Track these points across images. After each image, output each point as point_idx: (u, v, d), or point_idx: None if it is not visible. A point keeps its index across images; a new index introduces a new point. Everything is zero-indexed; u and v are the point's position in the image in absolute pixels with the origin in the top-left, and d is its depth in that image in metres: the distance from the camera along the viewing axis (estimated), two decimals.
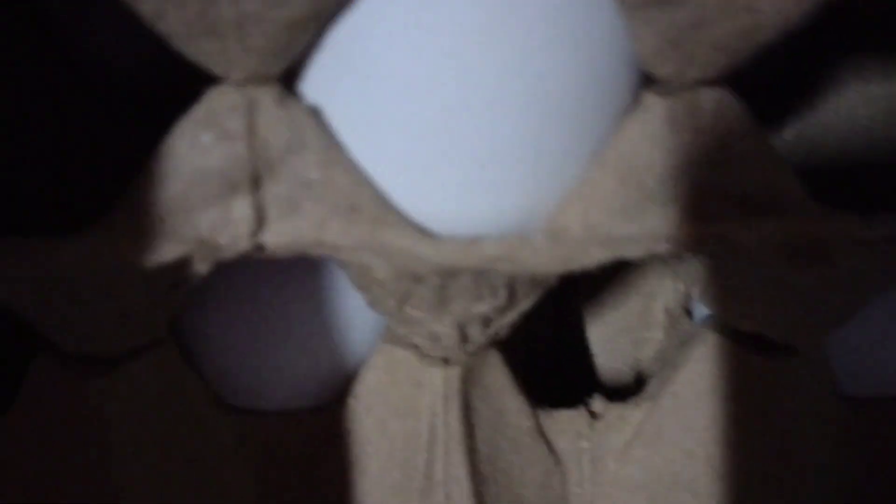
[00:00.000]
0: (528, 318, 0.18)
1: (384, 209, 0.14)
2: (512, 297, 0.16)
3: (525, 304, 0.17)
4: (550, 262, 0.14)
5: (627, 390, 0.23)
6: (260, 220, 0.14)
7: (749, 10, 0.13)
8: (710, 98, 0.14)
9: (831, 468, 0.21)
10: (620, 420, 0.21)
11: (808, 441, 0.20)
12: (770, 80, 0.20)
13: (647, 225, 0.14)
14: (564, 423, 0.21)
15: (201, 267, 0.14)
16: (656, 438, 0.20)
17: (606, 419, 0.21)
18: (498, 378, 0.20)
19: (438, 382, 0.18)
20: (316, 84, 0.14)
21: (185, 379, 0.19)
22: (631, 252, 0.14)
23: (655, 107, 0.14)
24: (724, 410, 0.20)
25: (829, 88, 0.20)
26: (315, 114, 0.14)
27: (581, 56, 0.13)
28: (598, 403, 0.21)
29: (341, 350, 0.20)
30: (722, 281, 0.17)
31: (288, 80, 0.14)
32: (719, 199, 0.14)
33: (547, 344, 0.25)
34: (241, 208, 0.14)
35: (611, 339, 0.25)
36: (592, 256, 0.14)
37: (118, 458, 0.19)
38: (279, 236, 0.14)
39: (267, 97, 0.13)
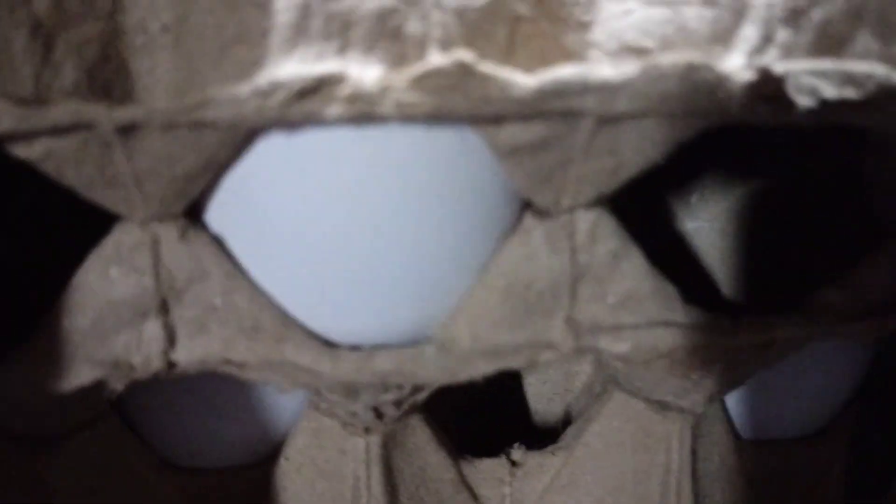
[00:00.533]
0: None
1: (285, 328, 0.15)
2: (417, 387, 0.17)
3: (433, 386, 0.18)
4: (440, 374, 0.15)
5: (555, 430, 0.25)
6: (170, 340, 0.15)
7: (611, 153, 0.14)
8: (586, 220, 0.15)
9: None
10: (539, 468, 0.22)
11: (713, 484, 0.22)
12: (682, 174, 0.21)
13: (530, 336, 0.15)
14: (486, 472, 0.22)
15: (118, 387, 0.15)
16: (571, 486, 0.22)
17: (526, 467, 0.22)
18: (420, 438, 0.21)
19: (360, 451, 0.20)
20: (218, 216, 0.15)
21: (127, 446, 0.21)
22: (515, 362, 0.15)
23: (534, 229, 0.15)
24: (630, 462, 0.21)
25: (740, 178, 0.21)
26: (216, 245, 0.15)
27: (459, 189, 0.14)
28: (518, 452, 0.22)
29: (272, 415, 0.21)
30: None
31: (194, 210, 0.15)
32: (595, 312, 0.15)
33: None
34: (152, 330, 0.15)
35: (544, 371, 0.27)
36: (479, 368, 0.15)
37: None
38: (189, 355, 0.15)
39: (169, 233, 0.14)
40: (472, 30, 0.13)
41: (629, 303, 0.15)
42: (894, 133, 0.14)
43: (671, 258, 0.21)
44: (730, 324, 0.15)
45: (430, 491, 0.21)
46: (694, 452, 0.21)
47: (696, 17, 0.13)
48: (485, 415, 0.26)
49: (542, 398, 0.27)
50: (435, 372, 0.15)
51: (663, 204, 0.21)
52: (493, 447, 0.23)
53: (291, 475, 0.21)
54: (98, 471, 0.20)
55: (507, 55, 0.13)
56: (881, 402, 0.17)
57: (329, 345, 0.15)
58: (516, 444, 0.22)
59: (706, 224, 0.21)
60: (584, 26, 0.13)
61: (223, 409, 0.21)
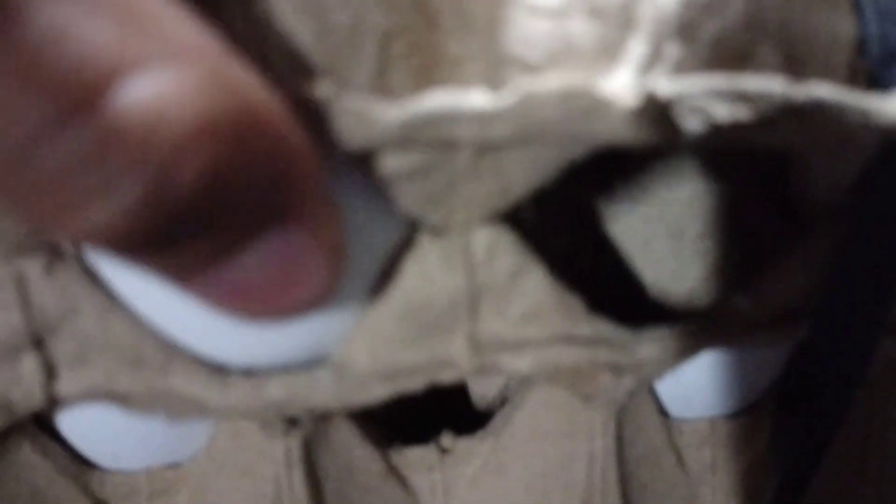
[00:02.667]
0: None
1: (169, 356, 0.14)
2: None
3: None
4: (335, 400, 0.15)
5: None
6: (50, 373, 0.14)
7: (498, 176, 0.13)
8: (482, 237, 0.14)
9: (670, 487, 0.22)
10: (468, 454, 0.22)
11: (641, 466, 0.22)
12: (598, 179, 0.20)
13: (429, 355, 0.15)
14: (416, 460, 0.22)
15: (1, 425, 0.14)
16: (500, 471, 0.22)
17: (455, 453, 0.22)
18: (344, 434, 0.21)
19: (280, 453, 0.19)
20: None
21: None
22: (414, 383, 0.15)
23: (429, 248, 0.14)
24: (555, 449, 0.21)
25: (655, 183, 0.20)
26: (87, 275, 0.14)
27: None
28: (447, 439, 0.22)
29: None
30: None
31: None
32: (495, 328, 0.15)
33: None
34: (29, 366, 0.14)
35: None
36: (376, 392, 0.15)
37: None
38: (71, 388, 0.14)
39: (33, 268, 0.14)
40: (334, 52, 0.12)
41: (530, 318, 0.15)
42: (801, 150, 0.14)
43: (597, 264, 0.21)
44: (632, 337, 0.15)
45: (357, 485, 0.21)
46: (620, 438, 0.21)
47: (581, 30, 0.12)
48: (419, 398, 0.26)
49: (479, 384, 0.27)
50: (330, 398, 0.14)
51: (590, 206, 0.20)
52: (427, 431, 0.23)
53: (214, 474, 0.21)
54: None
55: (380, 75, 0.12)
56: (799, 384, 0.17)
57: (219, 372, 0.15)
58: (445, 432, 0.22)
59: (636, 225, 0.20)
60: (467, 37, 0.12)
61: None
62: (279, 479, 0.20)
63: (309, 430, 0.20)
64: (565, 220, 0.18)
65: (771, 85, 0.12)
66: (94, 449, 0.20)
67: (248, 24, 0.12)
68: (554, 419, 0.21)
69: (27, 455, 0.19)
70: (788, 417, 0.18)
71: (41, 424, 0.19)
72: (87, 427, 0.21)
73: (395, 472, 0.22)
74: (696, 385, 0.23)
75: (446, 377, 0.15)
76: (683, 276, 0.20)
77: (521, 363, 0.15)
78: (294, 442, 0.20)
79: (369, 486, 0.22)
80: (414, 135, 0.11)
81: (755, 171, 0.17)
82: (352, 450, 0.21)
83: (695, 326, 0.15)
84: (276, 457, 0.20)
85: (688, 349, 0.15)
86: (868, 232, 0.14)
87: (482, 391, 0.26)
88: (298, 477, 0.20)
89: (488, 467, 0.22)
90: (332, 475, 0.21)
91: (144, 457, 0.21)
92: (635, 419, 0.22)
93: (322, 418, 0.20)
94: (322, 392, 0.14)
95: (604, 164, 0.20)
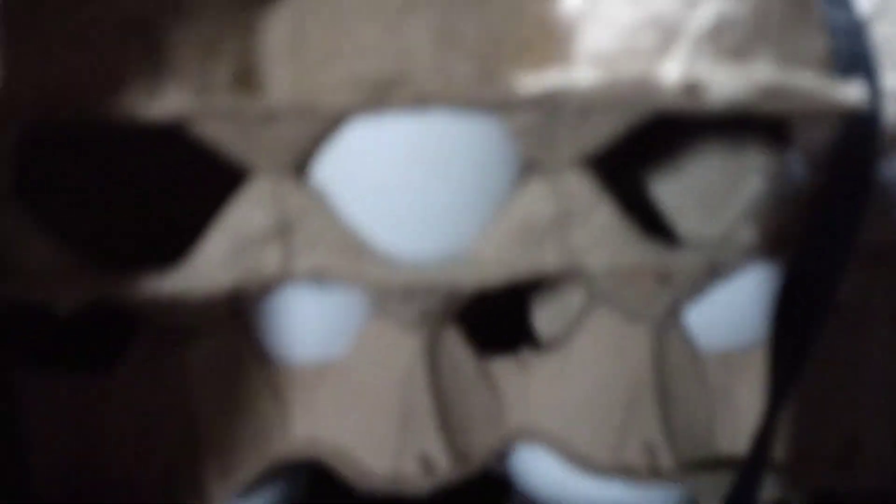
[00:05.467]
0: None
1: (364, 250, 0.22)
2: (452, 296, 0.24)
3: (465, 292, 0.24)
4: (470, 280, 0.22)
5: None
6: (288, 257, 0.22)
7: (586, 131, 0.20)
8: (571, 176, 0.22)
9: (695, 402, 0.29)
10: (542, 365, 0.29)
11: (678, 389, 0.28)
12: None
13: (533, 256, 0.22)
14: (501, 368, 0.29)
15: (253, 290, 0.22)
16: (567, 381, 0.28)
17: (534, 363, 0.29)
18: (453, 340, 0.27)
19: (411, 347, 0.26)
20: (323, 173, 0.22)
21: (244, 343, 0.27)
22: (522, 274, 0.22)
23: (534, 183, 0.22)
24: (608, 365, 0.28)
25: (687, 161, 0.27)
26: (320, 192, 0.21)
27: (476, 156, 0.21)
28: (526, 352, 0.29)
29: (347, 319, 0.28)
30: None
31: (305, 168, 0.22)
32: (579, 240, 0.22)
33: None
34: (274, 250, 0.22)
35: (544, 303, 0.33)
36: (497, 276, 0.22)
37: None
38: (303, 266, 0.22)
39: (288, 183, 0.21)
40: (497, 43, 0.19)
41: (605, 234, 0.22)
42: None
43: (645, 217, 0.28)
44: (671, 253, 0.22)
45: (459, 381, 0.28)
46: (657, 360, 0.27)
47: (645, 38, 0.19)
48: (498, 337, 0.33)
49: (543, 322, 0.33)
50: (467, 279, 0.22)
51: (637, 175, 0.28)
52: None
53: (356, 366, 0.28)
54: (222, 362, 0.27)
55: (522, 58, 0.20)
56: (786, 308, 0.24)
57: (394, 260, 0.22)
58: (524, 346, 0.29)
59: (673, 196, 0.27)
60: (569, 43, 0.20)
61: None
62: (408, 368, 0.27)
63: (432, 329, 0.27)
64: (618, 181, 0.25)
65: (776, 76, 0.19)
66: (278, 336, 0.28)
67: None
68: (606, 339, 0.28)
69: (226, 336, 0.26)
70: (779, 338, 0.24)
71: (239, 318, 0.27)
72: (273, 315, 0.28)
73: (486, 376, 0.29)
74: (714, 320, 0.29)
75: (546, 271, 0.22)
76: (708, 233, 0.27)
77: (599, 263, 0.22)
78: (422, 339, 0.27)
79: (468, 383, 0.28)
80: (545, 100, 0.19)
81: (762, 150, 0.24)
82: (457, 353, 0.28)
83: (713, 250, 0.22)
84: (408, 349, 0.27)
85: (709, 267, 0.22)
86: (837, 182, 0.21)
87: (548, 328, 0.33)
88: (423, 367, 0.27)
89: (559, 378, 0.29)
90: (443, 372, 0.28)
91: (309, 348, 0.28)
92: (669, 347, 0.28)
93: (444, 315, 0.27)
94: (462, 275, 0.22)
95: (649, 143, 0.27)
